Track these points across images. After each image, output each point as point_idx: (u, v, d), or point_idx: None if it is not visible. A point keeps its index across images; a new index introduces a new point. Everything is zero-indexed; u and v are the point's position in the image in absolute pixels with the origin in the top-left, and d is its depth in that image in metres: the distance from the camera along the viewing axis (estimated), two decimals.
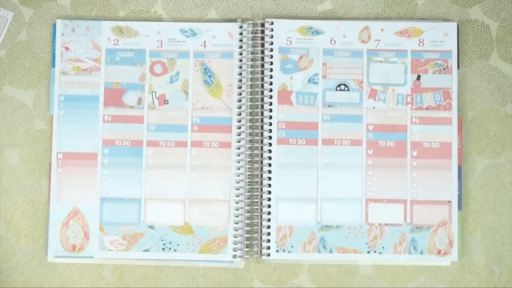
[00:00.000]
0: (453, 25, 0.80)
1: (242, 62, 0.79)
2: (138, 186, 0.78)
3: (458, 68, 0.80)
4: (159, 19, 0.81)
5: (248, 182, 0.78)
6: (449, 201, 0.78)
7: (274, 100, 0.79)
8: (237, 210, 0.78)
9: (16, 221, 0.79)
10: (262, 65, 0.79)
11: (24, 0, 0.81)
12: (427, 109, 0.79)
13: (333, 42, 0.80)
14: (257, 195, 0.78)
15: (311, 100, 0.79)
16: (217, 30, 0.80)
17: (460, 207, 0.78)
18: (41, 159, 0.80)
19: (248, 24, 0.80)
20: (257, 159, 0.78)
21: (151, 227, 0.78)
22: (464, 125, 0.80)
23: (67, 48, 0.80)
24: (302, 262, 0.79)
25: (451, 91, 0.79)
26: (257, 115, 0.79)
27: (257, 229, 0.78)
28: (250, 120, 0.79)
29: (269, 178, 0.78)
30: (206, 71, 0.80)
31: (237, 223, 0.78)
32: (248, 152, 0.78)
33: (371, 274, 0.79)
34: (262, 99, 0.79)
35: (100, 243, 0.78)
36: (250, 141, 0.79)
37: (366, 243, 0.78)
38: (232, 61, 0.80)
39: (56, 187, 0.78)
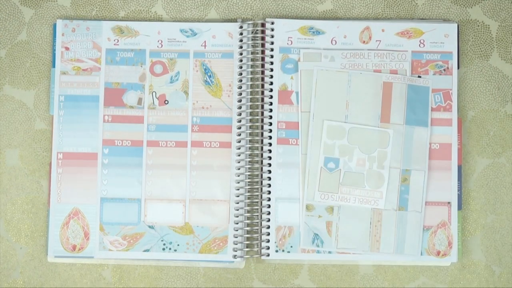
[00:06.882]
0: (454, 26, 0.80)
1: (242, 62, 0.79)
2: (138, 186, 0.79)
3: (458, 68, 0.80)
4: (159, 19, 0.81)
5: (248, 182, 0.78)
6: (449, 202, 0.78)
7: (275, 100, 0.79)
8: (237, 210, 0.78)
9: (16, 221, 0.79)
10: (262, 65, 0.79)
11: (24, 0, 0.81)
12: None
13: (333, 42, 0.80)
14: (257, 195, 0.78)
15: None
16: (217, 30, 0.80)
17: (460, 207, 0.78)
18: (41, 159, 0.80)
19: (248, 24, 0.79)
20: (257, 159, 0.78)
21: (151, 227, 0.78)
22: (464, 125, 0.80)
23: (67, 48, 0.80)
24: (302, 262, 0.79)
25: (451, 92, 0.79)
26: (257, 115, 0.79)
27: (257, 229, 0.78)
28: (250, 120, 0.79)
29: (269, 178, 0.78)
30: (206, 71, 0.80)
31: (237, 223, 0.78)
32: (248, 152, 0.78)
33: (371, 274, 0.79)
34: (262, 99, 0.79)
35: (100, 243, 0.78)
36: (250, 141, 0.79)
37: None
38: (232, 61, 0.80)
39: (56, 187, 0.78)
